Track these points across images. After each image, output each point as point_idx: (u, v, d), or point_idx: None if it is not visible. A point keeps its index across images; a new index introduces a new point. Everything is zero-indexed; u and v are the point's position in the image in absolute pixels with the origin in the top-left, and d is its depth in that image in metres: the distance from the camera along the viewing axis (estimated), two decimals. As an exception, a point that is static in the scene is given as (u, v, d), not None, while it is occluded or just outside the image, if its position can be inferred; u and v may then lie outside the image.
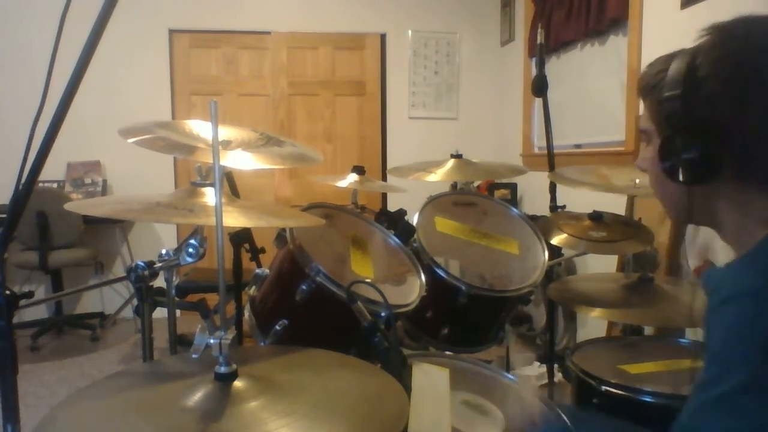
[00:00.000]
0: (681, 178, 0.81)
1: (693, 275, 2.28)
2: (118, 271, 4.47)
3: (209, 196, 1.15)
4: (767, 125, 0.75)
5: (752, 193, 0.79)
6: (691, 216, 0.87)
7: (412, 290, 1.43)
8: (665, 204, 0.90)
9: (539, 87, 2.34)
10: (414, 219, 1.71)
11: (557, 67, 3.78)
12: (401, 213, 1.96)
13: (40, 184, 3.73)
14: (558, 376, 2.44)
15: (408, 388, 0.99)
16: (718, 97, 0.77)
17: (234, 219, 1.12)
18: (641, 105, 0.91)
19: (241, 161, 1.32)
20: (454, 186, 3.22)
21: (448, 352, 1.57)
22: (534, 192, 4.01)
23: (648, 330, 2.13)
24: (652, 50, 2.76)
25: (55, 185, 4.14)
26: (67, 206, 1.09)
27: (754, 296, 0.72)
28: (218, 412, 0.81)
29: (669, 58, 0.83)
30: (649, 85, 0.85)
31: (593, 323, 2.99)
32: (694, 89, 0.78)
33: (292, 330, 1.29)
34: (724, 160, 0.78)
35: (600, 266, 2.87)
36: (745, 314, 0.72)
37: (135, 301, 1.20)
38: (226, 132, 1.42)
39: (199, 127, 1.38)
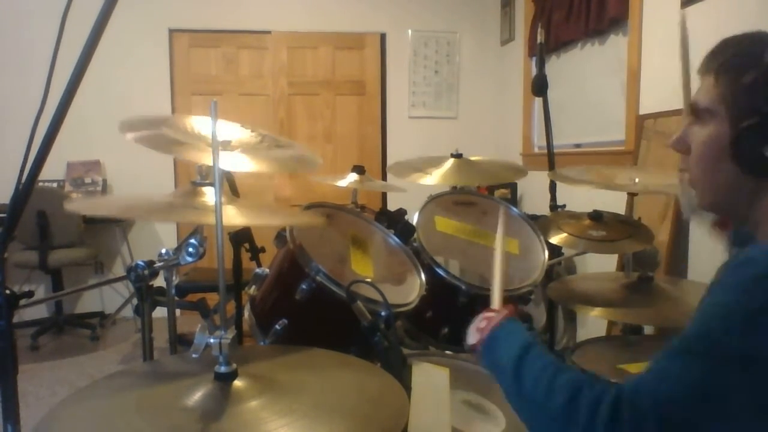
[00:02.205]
0: (755, 168, 0.79)
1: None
2: (118, 270, 4.47)
3: (209, 195, 1.15)
4: None
5: None
6: (731, 207, 0.85)
7: (412, 290, 1.43)
8: (707, 189, 0.87)
9: (539, 87, 2.34)
10: (414, 218, 1.71)
11: (557, 67, 3.78)
12: (401, 212, 1.96)
13: (40, 184, 3.72)
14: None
15: (408, 388, 0.99)
16: None
17: (233, 217, 1.12)
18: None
19: (239, 163, 1.32)
20: (454, 185, 3.21)
21: (448, 352, 1.57)
22: (534, 191, 4.01)
23: (648, 329, 2.13)
24: (652, 50, 2.75)
25: (55, 185, 4.14)
26: (68, 206, 1.08)
27: None
28: (218, 412, 0.81)
29: (745, 39, 0.82)
30: (727, 64, 0.82)
31: (593, 323, 2.99)
32: None
33: (292, 329, 1.29)
34: None
35: (600, 265, 2.87)
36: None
37: (135, 301, 1.21)
38: (225, 131, 1.41)
39: (199, 124, 1.38)
